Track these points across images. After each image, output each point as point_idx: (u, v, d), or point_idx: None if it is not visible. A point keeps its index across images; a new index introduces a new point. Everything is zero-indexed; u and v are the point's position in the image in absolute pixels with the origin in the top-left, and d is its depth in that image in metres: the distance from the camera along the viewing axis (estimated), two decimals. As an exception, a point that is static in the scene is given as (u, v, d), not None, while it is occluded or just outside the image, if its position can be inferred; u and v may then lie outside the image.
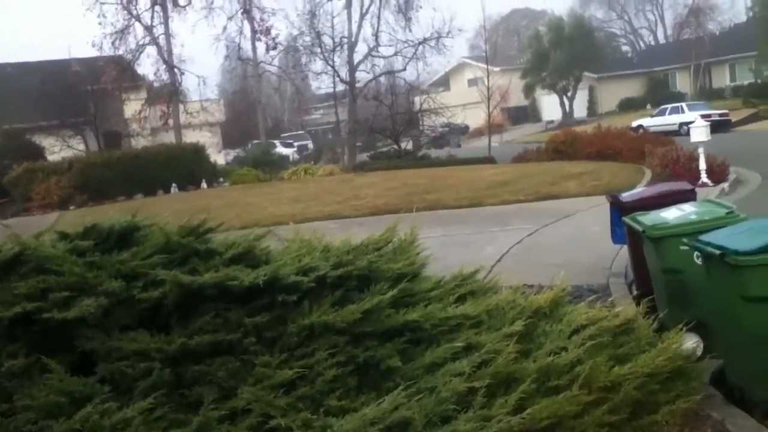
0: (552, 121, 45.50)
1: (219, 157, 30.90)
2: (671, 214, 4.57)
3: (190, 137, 26.89)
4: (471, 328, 3.35)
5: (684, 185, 5.99)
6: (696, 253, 3.97)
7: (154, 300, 3.01)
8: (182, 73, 29.11)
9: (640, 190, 6.97)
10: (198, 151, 22.70)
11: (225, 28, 31.71)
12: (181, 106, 29.24)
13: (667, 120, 30.92)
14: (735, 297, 3.40)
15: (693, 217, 4.41)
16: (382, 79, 30.40)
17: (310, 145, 40.42)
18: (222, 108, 36.41)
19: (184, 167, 21.46)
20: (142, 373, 2.73)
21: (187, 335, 2.87)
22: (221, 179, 23.05)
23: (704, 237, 3.68)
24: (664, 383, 3.16)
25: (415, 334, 3.20)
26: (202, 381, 2.78)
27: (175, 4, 29.12)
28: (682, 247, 4.18)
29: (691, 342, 3.89)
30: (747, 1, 42.67)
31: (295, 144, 42.53)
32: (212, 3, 30.08)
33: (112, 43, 27.78)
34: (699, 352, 3.98)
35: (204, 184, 21.67)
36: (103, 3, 27.22)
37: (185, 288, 2.98)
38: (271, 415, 2.59)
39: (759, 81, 38.78)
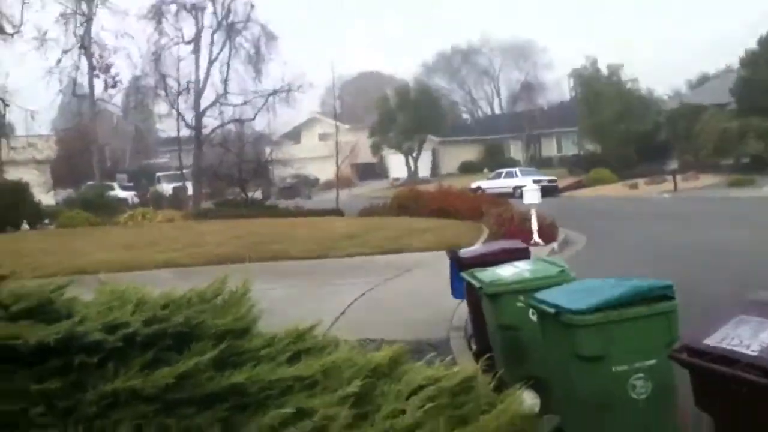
0: (398, 179, 46.96)
1: (48, 198, 28.33)
2: (507, 271, 4.62)
3: (15, 174, 24.47)
4: (304, 389, 3.05)
5: (518, 244, 6.16)
6: (531, 310, 4.00)
7: None
8: (7, 105, 26.70)
9: (477, 247, 7.13)
10: (19, 189, 20.63)
11: (59, 61, 29.41)
12: (4, 141, 26.67)
13: (503, 183, 33.07)
14: (569, 355, 3.41)
15: (527, 274, 4.47)
16: (231, 126, 29.78)
17: (190, 188, 33.47)
18: (53, 145, 33.62)
19: (2, 206, 19.35)
20: None
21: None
22: (47, 221, 21.06)
23: (540, 295, 3.69)
24: (503, 446, 3.03)
25: (241, 399, 2.85)
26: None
27: (1, 30, 26.77)
28: (519, 304, 4.21)
29: (530, 400, 3.86)
30: (570, 82, 47.50)
31: (171, 185, 37.36)
32: (45, 34, 28.06)
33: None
34: (537, 409, 3.95)
35: (26, 226, 19.66)
36: None
37: (-47, 348, 2.44)
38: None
39: (581, 153, 42.88)
